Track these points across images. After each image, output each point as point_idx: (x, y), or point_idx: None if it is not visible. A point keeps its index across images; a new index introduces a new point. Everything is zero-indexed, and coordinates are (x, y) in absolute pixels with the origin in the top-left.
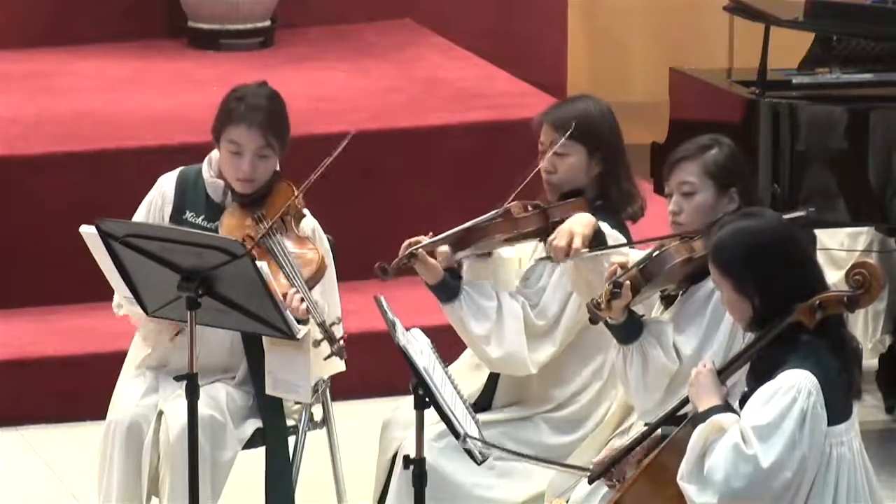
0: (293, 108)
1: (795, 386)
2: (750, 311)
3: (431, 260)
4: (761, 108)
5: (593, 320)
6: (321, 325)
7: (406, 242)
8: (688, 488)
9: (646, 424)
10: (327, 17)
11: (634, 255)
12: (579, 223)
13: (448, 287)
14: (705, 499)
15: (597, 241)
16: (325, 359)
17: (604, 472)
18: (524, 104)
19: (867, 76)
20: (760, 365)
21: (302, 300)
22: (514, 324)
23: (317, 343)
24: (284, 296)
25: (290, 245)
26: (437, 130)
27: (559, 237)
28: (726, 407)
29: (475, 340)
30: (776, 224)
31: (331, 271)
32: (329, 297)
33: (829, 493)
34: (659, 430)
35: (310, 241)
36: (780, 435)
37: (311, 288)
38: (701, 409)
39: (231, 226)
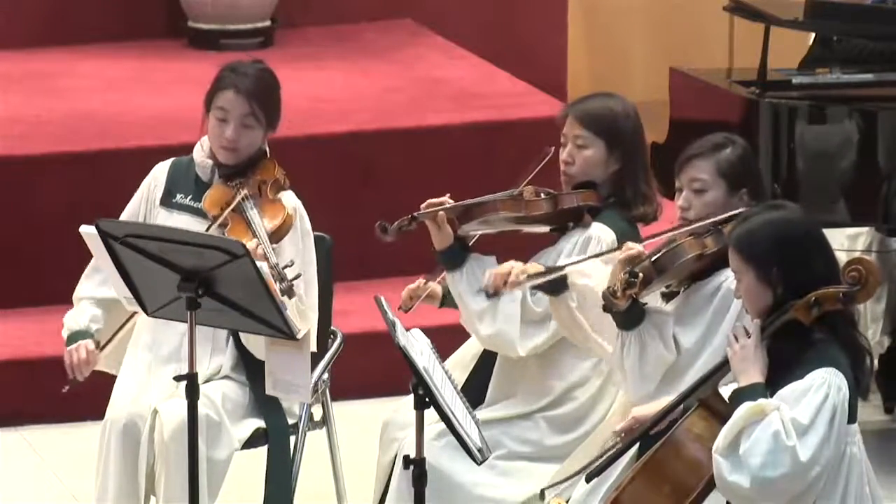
0: (293, 108)
1: (827, 382)
2: (770, 300)
3: (447, 226)
4: (761, 108)
5: (607, 308)
6: (273, 266)
7: (426, 203)
8: (721, 462)
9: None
10: (327, 17)
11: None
12: (526, 265)
13: (454, 256)
14: (736, 478)
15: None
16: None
17: (602, 469)
18: (524, 104)
19: (867, 76)
20: (772, 362)
21: (258, 245)
22: (509, 306)
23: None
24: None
25: (259, 206)
26: (437, 130)
27: (500, 267)
28: (766, 385)
29: (469, 314)
30: (803, 217)
31: (309, 251)
32: (302, 253)
33: (839, 491)
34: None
35: (280, 203)
36: (814, 431)
37: (275, 241)
38: (743, 382)
39: (213, 197)
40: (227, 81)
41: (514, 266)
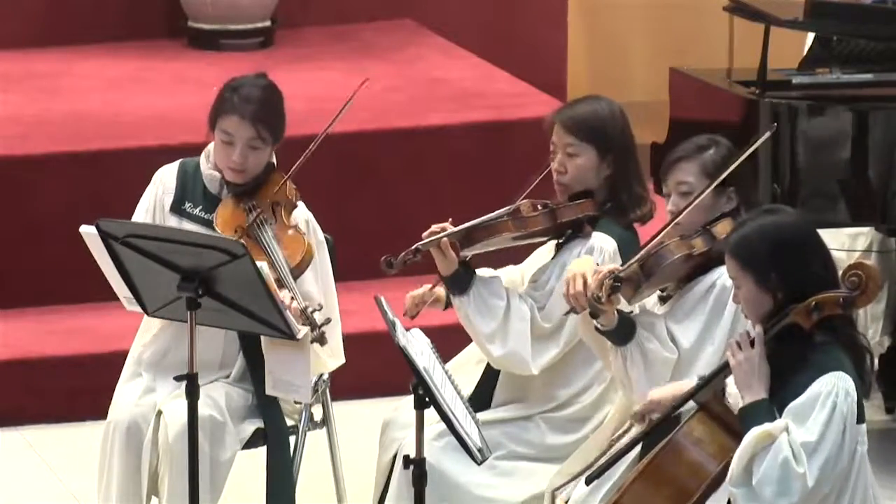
0: (293, 108)
1: (833, 391)
2: (770, 306)
3: (451, 251)
4: (761, 108)
5: (594, 314)
6: (302, 311)
7: (429, 230)
8: (736, 493)
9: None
10: (327, 17)
11: None
12: (581, 265)
13: (460, 280)
14: None
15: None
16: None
17: (603, 471)
18: (524, 104)
19: (867, 76)
20: (774, 368)
21: (290, 295)
22: (519, 325)
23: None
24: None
25: (277, 235)
26: (436, 130)
27: (573, 283)
28: (771, 400)
29: (480, 337)
30: (799, 220)
31: (325, 262)
32: (322, 286)
33: (848, 491)
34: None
35: (298, 231)
36: (823, 449)
37: (297, 276)
38: (747, 399)
39: (225, 217)
40: (230, 105)
41: (584, 276)
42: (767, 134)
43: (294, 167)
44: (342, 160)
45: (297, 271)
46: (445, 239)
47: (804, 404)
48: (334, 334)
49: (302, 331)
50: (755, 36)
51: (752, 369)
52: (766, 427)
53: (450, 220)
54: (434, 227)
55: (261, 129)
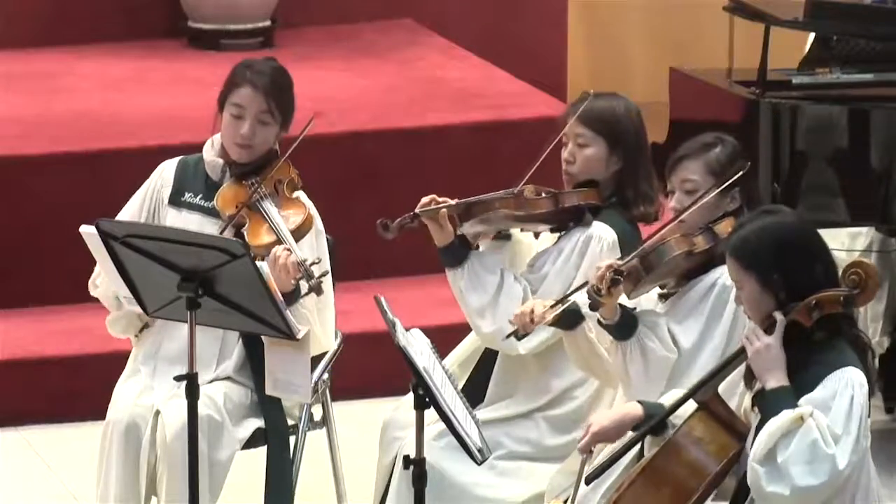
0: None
1: (850, 382)
2: (772, 306)
3: (449, 224)
4: (761, 108)
5: (593, 307)
6: (301, 263)
7: (424, 199)
8: (759, 471)
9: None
10: (327, 17)
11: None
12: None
13: (455, 253)
14: (775, 489)
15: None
16: (304, 295)
17: (601, 472)
18: (524, 104)
19: (867, 76)
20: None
21: (287, 251)
22: (510, 304)
23: (296, 282)
24: (271, 245)
25: (278, 204)
26: (436, 130)
27: (522, 307)
28: (791, 387)
29: (470, 311)
30: (799, 220)
31: (322, 249)
32: (319, 253)
33: (850, 486)
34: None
35: (300, 201)
36: (847, 437)
37: (296, 240)
38: (768, 386)
39: (227, 196)
40: (243, 78)
41: (535, 303)
42: (740, 173)
43: (292, 147)
44: (343, 160)
45: (297, 235)
46: (444, 210)
47: (825, 396)
48: (327, 318)
49: (302, 331)
50: (755, 36)
51: (773, 355)
52: (799, 410)
53: (455, 199)
54: (424, 200)
55: (271, 102)
